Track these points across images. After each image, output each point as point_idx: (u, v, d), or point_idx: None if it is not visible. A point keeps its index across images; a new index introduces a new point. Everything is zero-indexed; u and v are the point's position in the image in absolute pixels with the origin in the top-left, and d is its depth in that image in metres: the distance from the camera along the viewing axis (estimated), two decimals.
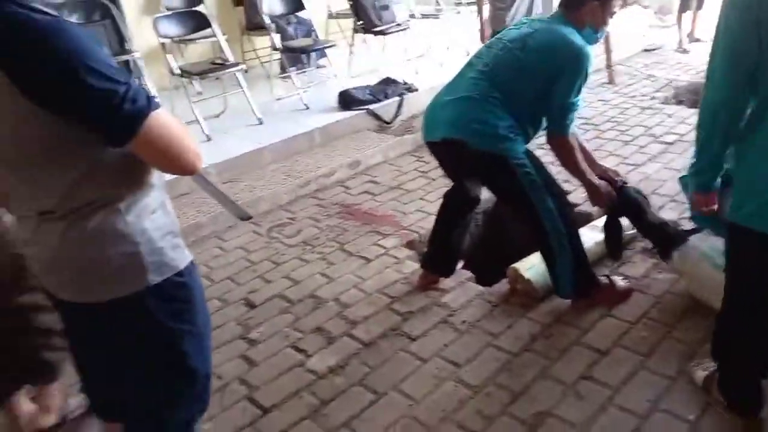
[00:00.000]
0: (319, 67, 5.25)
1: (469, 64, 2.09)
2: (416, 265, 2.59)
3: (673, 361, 1.85)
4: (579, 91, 1.97)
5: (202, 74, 4.14)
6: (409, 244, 2.80)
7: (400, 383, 1.90)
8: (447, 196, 2.37)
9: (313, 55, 5.01)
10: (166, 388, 1.15)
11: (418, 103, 4.57)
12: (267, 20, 4.52)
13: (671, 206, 2.78)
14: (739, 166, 1.42)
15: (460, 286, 2.40)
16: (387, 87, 4.43)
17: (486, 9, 3.97)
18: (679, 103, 4.51)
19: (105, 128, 0.93)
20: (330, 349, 2.10)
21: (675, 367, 1.83)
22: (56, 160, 0.95)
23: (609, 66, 4.87)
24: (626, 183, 2.27)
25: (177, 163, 1.01)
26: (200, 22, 4.17)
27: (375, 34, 4.96)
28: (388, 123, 4.33)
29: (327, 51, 4.86)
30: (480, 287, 2.39)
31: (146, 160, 1.00)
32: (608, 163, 2.81)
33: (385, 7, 4.79)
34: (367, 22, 4.80)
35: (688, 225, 2.32)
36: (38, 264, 1.07)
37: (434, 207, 3.08)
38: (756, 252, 1.40)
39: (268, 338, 2.17)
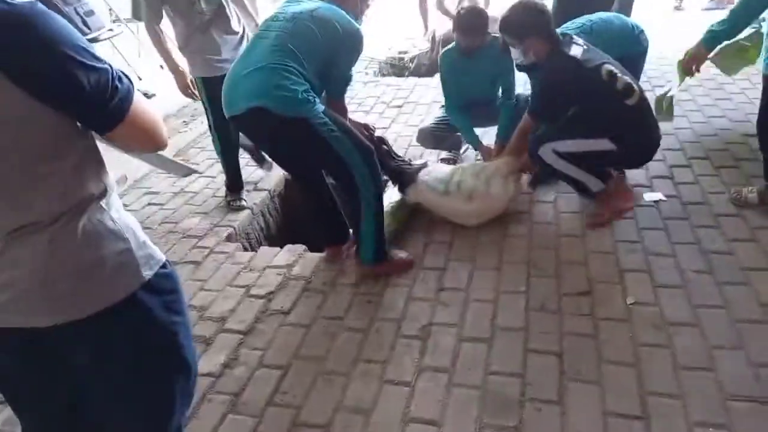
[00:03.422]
0: None
1: (259, 37, 2.16)
2: (249, 254, 2.64)
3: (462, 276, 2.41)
4: (353, 65, 2.27)
5: None
6: (230, 238, 2.81)
7: (298, 351, 2.00)
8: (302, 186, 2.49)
9: None
10: (167, 390, 1.09)
11: (158, 108, 4.37)
12: None
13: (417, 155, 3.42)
14: None
15: (301, 258, 2.56)
16: None
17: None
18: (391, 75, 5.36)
19: (99, 111, 0.88)
20: (212, 349, 2.05)
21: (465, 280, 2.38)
22: (55, 157, 0.87)
23: None
24: (374, 133, 2.68)
25: (157, 138, 1.00)
26: None
27: None
28: None
29: None
30: (317, 254, 2.59)
31: (126, 141, 0.96)
32: None
33: (90, 13, 4.35)
34: None
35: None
36: (6, 294, 0.91)
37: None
38: None
39: None
